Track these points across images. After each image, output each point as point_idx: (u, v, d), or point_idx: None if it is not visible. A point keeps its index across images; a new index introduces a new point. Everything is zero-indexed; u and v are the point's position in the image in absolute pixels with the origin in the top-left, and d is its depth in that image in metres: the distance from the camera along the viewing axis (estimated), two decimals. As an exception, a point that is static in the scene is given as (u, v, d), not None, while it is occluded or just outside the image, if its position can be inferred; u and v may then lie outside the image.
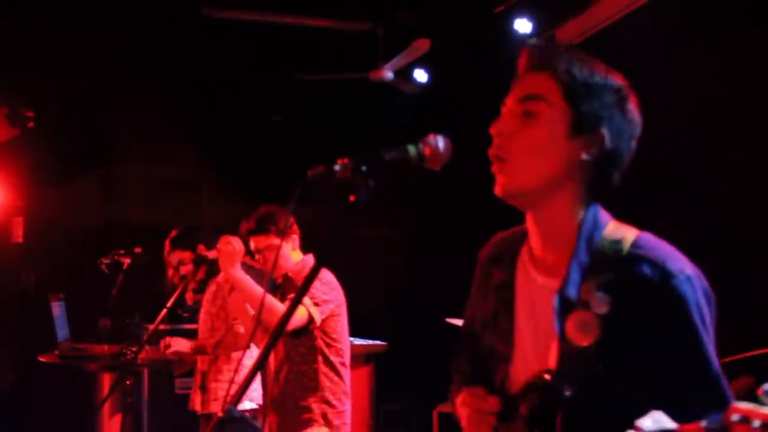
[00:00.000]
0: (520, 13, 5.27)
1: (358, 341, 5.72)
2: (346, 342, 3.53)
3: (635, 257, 1.34)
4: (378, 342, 5.79)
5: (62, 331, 4.75)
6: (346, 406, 3.49)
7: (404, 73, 6.14)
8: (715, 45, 4.02)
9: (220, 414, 1.28)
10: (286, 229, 3.50)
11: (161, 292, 4.45)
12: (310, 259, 3.59)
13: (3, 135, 6.12)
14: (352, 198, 1.37)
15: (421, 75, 6.29)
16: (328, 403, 3.41)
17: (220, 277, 3.99)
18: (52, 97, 6.11)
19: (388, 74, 5.93)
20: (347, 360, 3.53)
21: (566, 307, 1.35)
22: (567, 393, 1.30)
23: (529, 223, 1.48)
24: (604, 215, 1.44)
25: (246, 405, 3.97)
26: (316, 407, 3.40)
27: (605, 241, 1.38)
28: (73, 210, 6.73)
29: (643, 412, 1.16)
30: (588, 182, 1.42)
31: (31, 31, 5.56)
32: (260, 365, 1.36)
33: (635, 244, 1.36)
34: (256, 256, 3.54)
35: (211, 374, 4.07)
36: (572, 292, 1.35)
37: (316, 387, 3.40)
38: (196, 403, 4.10)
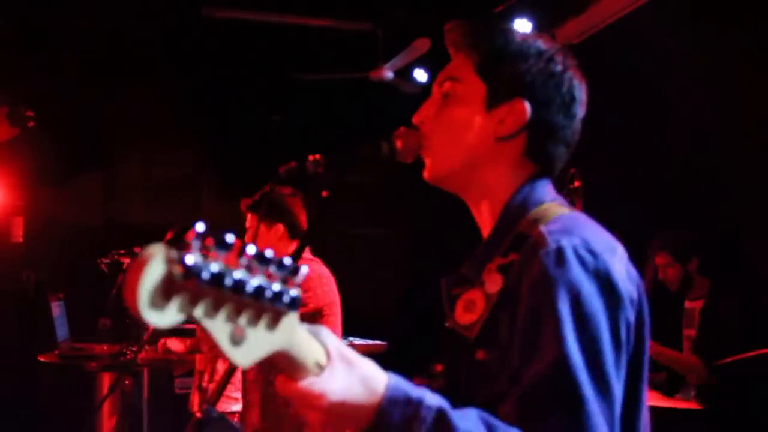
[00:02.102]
0: (520, 13, 5.27)
1: (358, 341, 5.72)
2: None
3: (537, 234, 1.18)
4: (378, 342, 5.79)
5: (62, 330, 4.75)
6: None
7: (404, 73, 6.14)
8: (716, 44, 4.02)
9: (198, 414, 1.27)
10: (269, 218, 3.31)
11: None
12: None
13: (3, 135, 6.12)
14: (324, 194, 1.36)
15: (421, 75, 6.29)
16: None
17: None
18: (52, 97, 6.11)
19: (388, 74, 5.93)
20: None
21: (464, 287, 1.27)
22: (442, 372, 1.23)
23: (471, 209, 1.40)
24: (541, 195, 1.30)
25: (234, 407, 3.94)
26: (294, 414, 3.09)
27: (526, 221, 1.24)
28: (73, 210, 6.73)
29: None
30: (519, 158, 1.31)
31: (31, 31, 5.55)
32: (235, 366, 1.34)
33: (550, 221, 1.21)
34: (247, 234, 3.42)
35: (208, 375, 4.08)
36: (472, 273, 1.27)
37: None
38: (194, 404, 4.10)
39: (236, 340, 0.83)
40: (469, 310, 1.22)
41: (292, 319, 0.89)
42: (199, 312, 0.79)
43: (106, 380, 4.87)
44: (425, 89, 6.31)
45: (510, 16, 5.31)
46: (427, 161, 1.36)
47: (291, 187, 3.39)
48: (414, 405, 1.02)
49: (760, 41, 3.81)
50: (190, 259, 0.75)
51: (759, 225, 3.81)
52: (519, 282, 1.15)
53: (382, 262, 7.08)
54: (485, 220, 1.34)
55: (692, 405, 3.67)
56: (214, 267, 0.77)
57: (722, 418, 3.52)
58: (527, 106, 1.29)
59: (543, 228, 1.18)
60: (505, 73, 1.30)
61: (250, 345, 0.84)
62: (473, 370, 1.20)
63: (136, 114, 6.39)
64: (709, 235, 3.90)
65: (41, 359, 4.50)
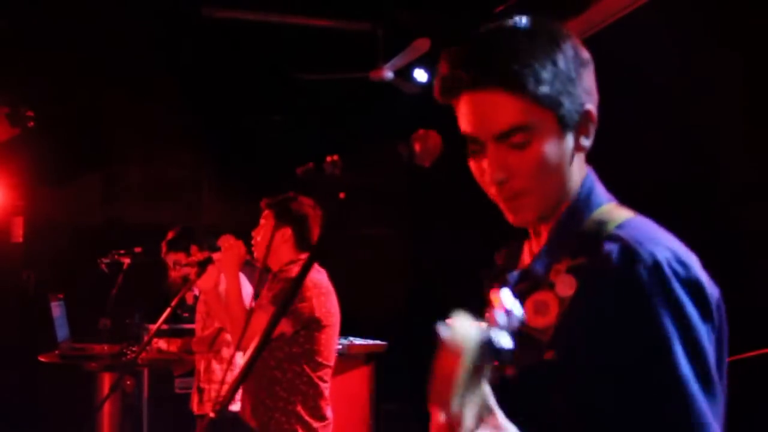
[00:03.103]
0: (520, 14, 5.26)
1: (358, 341, 5.73)
2: (329, 356, 3.22)
3: (612, 238, 1.17)
4: (378, 342, 5.79)
5: (62, 330, 4.75)
6: (322, 424, 3.17)
7: (404, 73, 6.14)
8: (716, 44, 4.02)
9: (211, 414, 1.27)
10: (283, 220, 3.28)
11: (162, 293, 4.46)
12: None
13: (3, 135, 6.12)
14: (341, 195, 1.34)
15: (421, 75, 6.28)
16: (299, 418, 3.12)
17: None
18: (52, 97, 6.11)
19: (388, 74, 5.93)
20: (328, 374, 3.22)
21: (530, 285, 1.23)
22: (509, 374, 1.18)
23: None
24: (600, 196, 1.29)
25: (232, 407, 3.95)
26: (286, 420, 3.11)
27: (591, 222, 1.23)
28: (73, 210, 6.74)
29: (587, 419, 1.09)
30: (583, 158, 1.30)
31: (31, 31, 5.55)
32: (250, 368, 1.34)
33: (620, 225, 1.20)
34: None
35: (204, 374, 4.08)
36: (539, 270, 1.23)
37: (288, 398, 3.12)
38: (194, 404, 4.11)
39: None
40: (541, 313, 1.19)
41: None
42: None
43: (106, 380, 4.87)
44: (425, 89, 6.32)
45: (510, 16, 5.32)
46: (522, 211, 1.27)
47: (313, 199, 3.38)
48: None
49: (761, 41, 3.81)
50: (507, 341, 0.80)
51: (759, 225, 3.81)
52: (598, 289, 1.14)
53: (382, 262, 7.08)
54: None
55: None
56: (506, 341, 0.81)
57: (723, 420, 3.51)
58: (592, 107, 1.26)
59: (622, 234, 1.18)
60: (560, 88, 1.21)
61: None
62: (545, 371, 1.18)
63: (136, 114, 6.39)
64: (709, 236, 3.90)
65: (41, 359, 4.50)
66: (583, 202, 1.26)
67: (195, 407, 4.08)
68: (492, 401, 0.98)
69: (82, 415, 5.13)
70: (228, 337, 3.91)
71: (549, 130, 1.22)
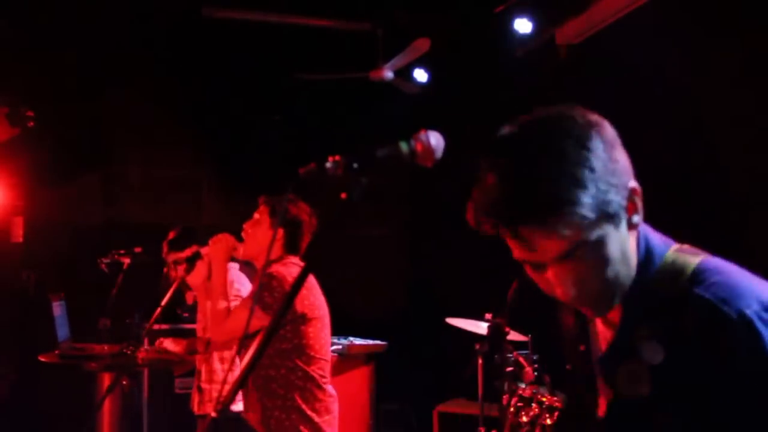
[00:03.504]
0: (520, 13, 5.27)
1: (358, 341, 5.73)
2: (321, 349, 3.20)
3: (692, 297, 1.16)
4: (378, 342, 5.79)
5: (63, 330, 4.75)
6: (324, 419, 3.16)
7: (404, 73, 6.14)
8: (715, 44, 4.02)
9: (213, 414, 1.27)
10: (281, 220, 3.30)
11: (163, 293, 4.46)
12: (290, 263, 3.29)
13: (3, 135, 6.12)
14: (343, 196, 1.34)
15: (421, 75, 6.29)
16: (300, 413, 3.11)
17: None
18: (52, 97, 6.11)
19: (388, 74, 5.93)
20: (324, 367, 3.20)
21: (618, 355, 1.24)
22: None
23: None
24: (658, 241, 1.28)
25: (240, 406, 3.96)
26: (286, 417, 3.10)
27: (662, 275, 1.22)
28: (73, 210, 6.73)
29: None
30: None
31: (31, 31, 5.55)
32: (252, 367, 1.34)
33: (695, 278, 1.19)
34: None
35: (205, 375, 4.08)
36: (624, 341, 1.24)
37: (285, 395, 3.10)
38: (194, 404, 4.11)
39: None
40: (634, 382, 1.19)
41: None
42: None
43: (106, 380, 4.87)
44: (425, 89, 6.33)
45: (510, 16, 5.32)
46: (602, 308, 1.27)
47: (314, 199, 3.38)
48: None
49: (760, 40, 3.81)
50: None
51: (760, 226, 3.81)
52: (690, 351, 1.15)
53: (382, 262, 7.09)
54: None
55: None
56: None
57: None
58: (634, 183, 1.23)
59: (704, 293, 1.16)
60: (604, 188, 1.17)
61: None
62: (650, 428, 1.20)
63: (136, 114, 6.39)
64: (710, 236, 3.90)
65: (41, 359, 4.50)
66: (646, 263, 1.25)
67: (195, 407, 4.08)
68: None
69: (82, 414, 5.13)
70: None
71: (604, 230, 1.19)
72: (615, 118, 1.30)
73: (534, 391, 3.72)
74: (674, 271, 1.21)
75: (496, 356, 3.89)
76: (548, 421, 3.42)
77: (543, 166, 1.14)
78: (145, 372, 4.80)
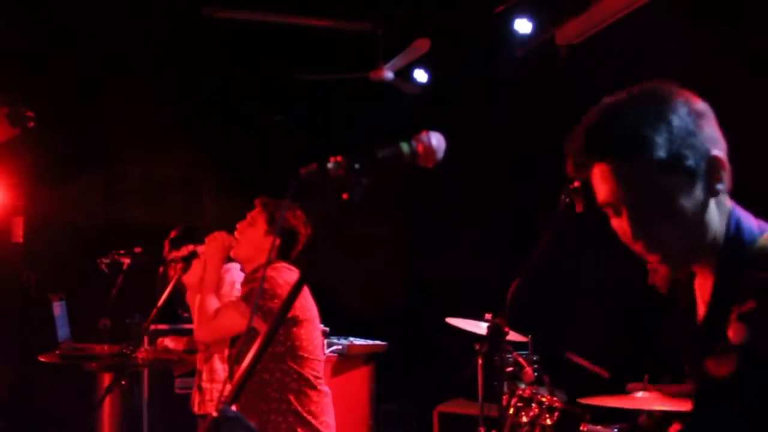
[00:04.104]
0: (520, 13, 5.27)
1: (358, 341, 5.73)
2: (314, 350, 3.20)
3: None
4: (378, 342, 5.79)
5: (63, 330, 4.75)
6: (321, 420, 3.15)
7: (404, 73, 6.14)
8: (716, 44, 4.02)
9: (214, 414, 1.27)
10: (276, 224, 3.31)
11: (159, 292, 4.46)
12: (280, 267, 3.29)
13: (3, 135, 6.12)
14: (345, 196, 1.35)
15: (421, 75, 6.29)
16: (297, 415, 3.10)
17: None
18: (52, 97, 6.11)
19: (388, 74, 5.93)
20: (317, 367, 3.20)
21: (707, 335, 1.28)
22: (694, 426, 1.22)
23: None
24: (751, 229, 1.33)
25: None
26: (283, 420, 3.08)
27: (751, 260, 1.27)
28: (73, 210, 6.74)
29: None
30: (722, 197, 1.34)
31: (31, 31, 5.56)
32: (253, 368, 1.34)
33: None
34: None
35: (206, 374, 4.08)
36: (712, 321, 1.28)
37: (281, 398, 3.09)
38: (195, 403, 4.11)
39: None
40: (722, 364, 1.23)
41: None
42: None
43: (106, 380, 4.87)
44: (425, 89, 6.33)
45: (510, 16, 5.32)
46: (669, 267, 1.34)
47: (305, 213, 3.39)
48: None
49: (760, 40, 3.81)
50: None
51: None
52: None
53: (382, 262, 7.09)
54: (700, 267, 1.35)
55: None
56: None
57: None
58: (719, 152, 1.31)
59: None
60: (680, 144, 1.29)
61: None
62: (730, 422, 1.24)
63: (136, 114, 6.39)
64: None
65: (41, 359, 4.50)
66: (734, 242, 1.31)
67: (196, 407, 4.08)
68: None
69: (81, 414, 5.13)
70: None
71: (677, 182, 1.28)
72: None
73: (534, 391, 3.71)
74: (765, 256, 1.27)
75: (495, 357, 3.89)
76: (548, 421, 3.42)
77: (629, 112, 1.30)
78: (145, 372, 4.80)
